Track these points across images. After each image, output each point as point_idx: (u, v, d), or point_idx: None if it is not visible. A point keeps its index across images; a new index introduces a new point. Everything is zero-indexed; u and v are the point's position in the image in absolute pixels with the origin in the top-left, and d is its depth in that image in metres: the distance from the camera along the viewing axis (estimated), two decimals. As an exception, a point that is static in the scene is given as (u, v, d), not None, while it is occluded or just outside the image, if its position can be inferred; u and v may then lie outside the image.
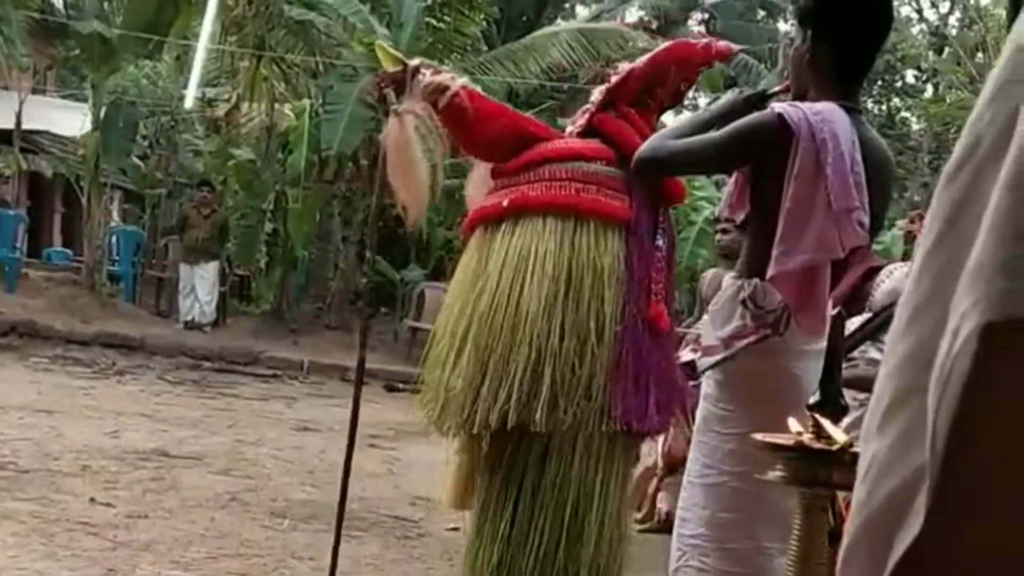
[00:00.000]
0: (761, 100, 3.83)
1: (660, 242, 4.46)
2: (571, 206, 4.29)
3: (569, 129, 4.61)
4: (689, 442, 4.47)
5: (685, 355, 5.67)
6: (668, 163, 3.81)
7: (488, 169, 4.60)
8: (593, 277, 4.22)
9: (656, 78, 4.56)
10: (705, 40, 4.53)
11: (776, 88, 3.90)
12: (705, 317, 4.07)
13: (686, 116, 3.98)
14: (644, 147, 3.77)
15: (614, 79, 4.50)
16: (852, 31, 3.50)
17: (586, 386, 4.17)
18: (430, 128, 4.37)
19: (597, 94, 4.62)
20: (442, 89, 4.32)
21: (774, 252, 3.35)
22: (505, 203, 4.35)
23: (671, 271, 4.61)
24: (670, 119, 5.21)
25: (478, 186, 4.66)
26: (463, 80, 4.50)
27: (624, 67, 4.56)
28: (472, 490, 4.63)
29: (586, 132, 4.51)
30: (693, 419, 3.92)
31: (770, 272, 3.38)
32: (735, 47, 4.62)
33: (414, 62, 4.42)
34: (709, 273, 7.31)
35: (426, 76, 4.34)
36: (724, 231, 6.88)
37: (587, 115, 4.55)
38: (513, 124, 4.52)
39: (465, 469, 4.65)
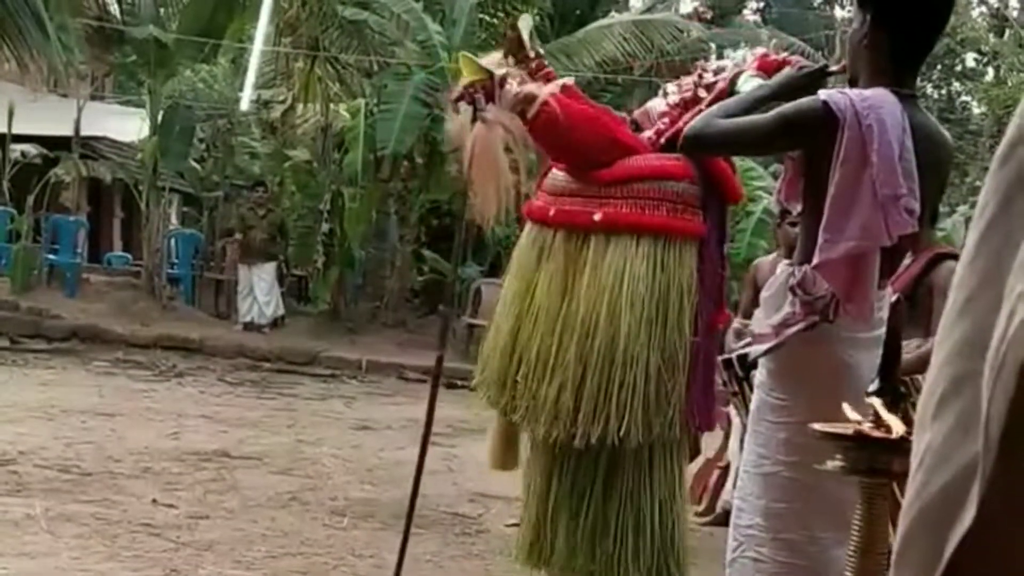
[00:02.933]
0: (821, 76, 3.79)
1: (726, 248, 4.56)
2: (662, 228, 4.34)
3: (648, 134, 4.56)
4: None
5: (742, 348, 5.61)
6: (713, 143, 3.78)
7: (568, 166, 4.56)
8: (679, 294, 4.32)
9: None
10: (783, 56, 4.50)
11: (835, 68, 3.85)
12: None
13: (741, 94, 3.91)
14: (692, 125, 3.73)
15: (707, 100, 4.43)
16: (911, 16, 3.44)
17: (673, 398, 4.33)
18: (516, 140, 4.35)
19: (675, 97, 4.58)
20: (530, 99, 4.28)
21: (819, 240, 3.32)
22: (597, 217, 4.35)
23: (726, 272, 4.69)
24: None
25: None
26: (551, 87, 4.43)
27: (714, 83, 4.49)
28: (514, 452, 4.80)
29: (668, 142, 4.48)
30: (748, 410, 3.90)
31: (815, 260, 3.34)
32: (803, 61, 4.58)
33: (500, 71, 4.36)
34: (767, 260, 7.13)
35: (513, 86, 4.31)
36: (794, 224, 6.64)
37: (670, 124, 4.51)
38: (606, 131, 4.48)
39: (506, 433, 4.78)
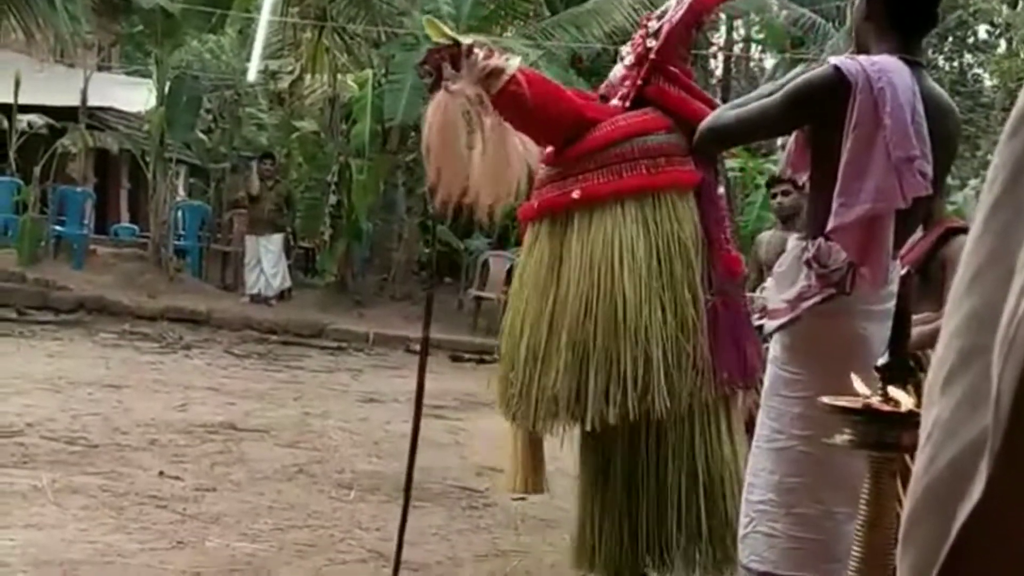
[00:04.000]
0: None
1: (722, 190, 4.46)
2: (644, 187, 4.24)
3: (614, 102, 4.49)
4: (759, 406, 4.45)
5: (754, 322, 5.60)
6: (727, 135, 3.83)
7: (543, 154, 4.48)
8: (680, 249, 4.21)
9: (692, 31, 4.52)
10: None
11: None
12: (770, 280, 4.02)
13: (757, 90, 3.93)
14: (705, 122, 3.77)
15: (655, 48, 4.39)
16: None
17: (697, 360, 4.20)
18: (478, 113, 4.20)
19: (630, 58, 4.52)
20: (497, 73, 4.17)
21: (834, 205, 3.30)
22: (576, 194, 4.25)
23: (732, 215, 4.59)
24: None
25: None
26: (517, 61, 4.34)
27: (660, 28, 4.44)
28: (540, 471, 4.64)
29: (635, 101, 4.43)
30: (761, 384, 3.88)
31: (830, 225, 3.32)
32: None
33: (467, 40, 4.26)
34: (766, 236, 7.15)
35: (479, 56, 4.19)
36: (785, 192, 6.69)
37: (632, 84, 4.46)
38: (571, 108, 4.38)
39: (531, 452, 4.64)
